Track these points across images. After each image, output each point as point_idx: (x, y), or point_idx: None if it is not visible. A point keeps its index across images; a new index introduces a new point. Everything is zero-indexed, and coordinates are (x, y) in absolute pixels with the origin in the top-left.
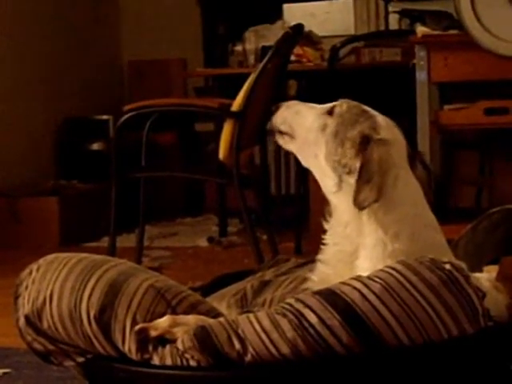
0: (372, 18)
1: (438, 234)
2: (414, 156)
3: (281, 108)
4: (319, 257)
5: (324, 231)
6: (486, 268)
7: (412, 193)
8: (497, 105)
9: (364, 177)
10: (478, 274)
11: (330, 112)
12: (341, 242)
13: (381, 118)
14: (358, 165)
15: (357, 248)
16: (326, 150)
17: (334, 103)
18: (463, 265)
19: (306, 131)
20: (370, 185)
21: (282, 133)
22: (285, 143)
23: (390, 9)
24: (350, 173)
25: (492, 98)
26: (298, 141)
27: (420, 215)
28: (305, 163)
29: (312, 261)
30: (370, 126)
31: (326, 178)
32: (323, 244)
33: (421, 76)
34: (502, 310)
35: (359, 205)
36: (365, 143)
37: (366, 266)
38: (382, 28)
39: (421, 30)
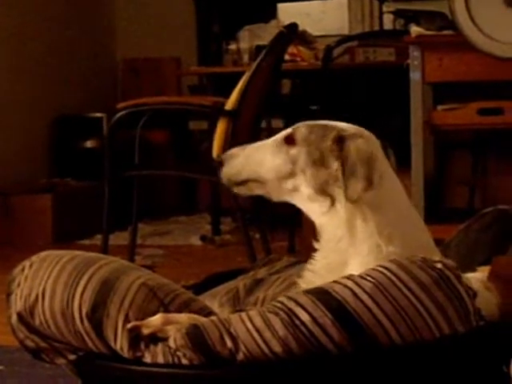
0: (366, 17)
1: (426, 234)
2: (385, 148)
3: (227, 160)
4: (308, 267)
5: (314, 249)
6: (478, 269)
7: (398, 192)
8: (490, 105)
9: (348, 171)
10: (468, 274)
11: (289, 141)
12: (331, 255)
13: (344, 124)
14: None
15: (347, 259)
16: (307, 178)
17: (286, 131)
18: (452, 263)
19: (273, 171)
20: (356, 176)
21: (241, 183)
22: (251, 190)
23: (385, 9)
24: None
25: (485, 98)
26: (269, 184)
27: (409, 216)
28: (279, 199)
29: (305, 260)
30: (338, 131)
31: (312, 205)
32: (313, 258)
33: (415, 76)
34: (493, 309)
35: (351, 198)
36: (341, 144)
37: (358, 270)
38: (377, 28)
39: (415, 30)
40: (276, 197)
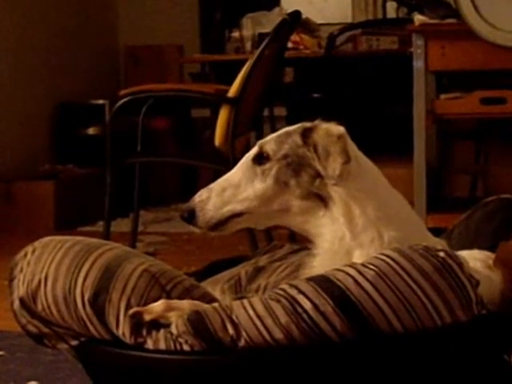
0: (370, 5)
1: (414, 212)
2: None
3: (198, 207)
4: (307, 271)
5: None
6: None
7: (379, 175)
8: (493, 94)
9: (322, 154)
10: (467, 252)
11: (258, 160)
12: (334, 256)
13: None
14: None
15: (351, 253)
16: (292, 189)
17: (251, 152)
18: (443, 242)
19: (257, 196)
20: (331, 156)
21: (222, 223)
22: (232, 228)
23: None
24: (336, 183)
25: (488, 87)
26: (255, 212)
27: (395, 197)
28: (268, 225)
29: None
30: (301, 125)
31: (306, 217)
32: (312, 262)
33: (418, 64)
34: (495, 289)
35: (333, 176)
36: (309, 135)
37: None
38: (380, 16)
39: (418, 18)
40: (264, 224)
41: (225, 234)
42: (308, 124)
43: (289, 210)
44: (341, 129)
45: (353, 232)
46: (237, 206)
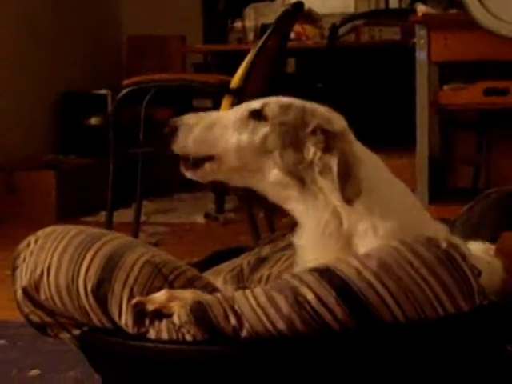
0: None
1: (417, 203)
2: None
3: (182, 128)
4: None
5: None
6: None
7: (376, 164)
8: (496, 85)
9: (342, 173)
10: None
11: (256, 116)
12: (323, 241)
13: (323, 109)
14: (331, 163)
15: (348, 238)
16: (280, 161)
17: (252, 106)
18: (444, 227)
19: (238, 147)
20: (352, 179)
21: (197, 163)
22: (207, 175)
23: None
24: (322, 173)
25: (491, 78)
26: (230, 163)
27: (396, 189)
28: (240, 184)
29: None
30: (322, 120)
31: (284, 191)
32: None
33: (421, 55)
34: (496, 277)
35: (348, 201)
36: (329, 139)
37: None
38: (383, 6)
39: (421, 9)
40: (236, 180)
41: (200, 181)
42: (324, 121)
43: (265, 176)
44: (356, 146)
45: (346, 223)
46: (213, 150)
